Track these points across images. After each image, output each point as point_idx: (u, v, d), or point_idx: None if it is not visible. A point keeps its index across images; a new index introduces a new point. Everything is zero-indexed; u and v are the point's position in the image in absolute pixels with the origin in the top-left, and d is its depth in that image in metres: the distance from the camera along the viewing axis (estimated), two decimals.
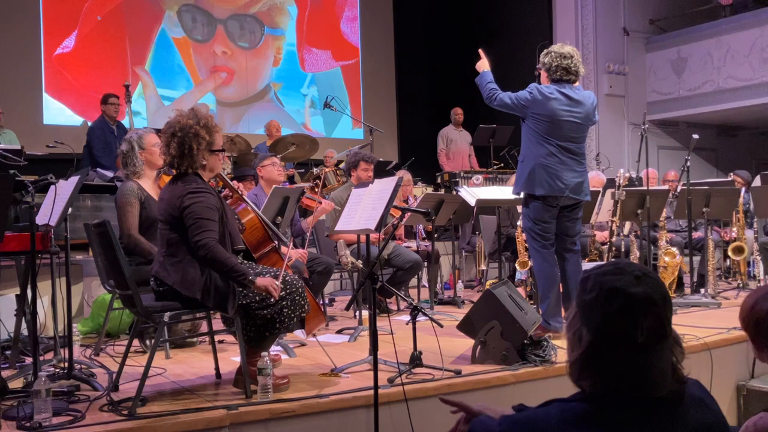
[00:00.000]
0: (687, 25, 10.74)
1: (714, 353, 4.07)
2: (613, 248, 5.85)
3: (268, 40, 10.92)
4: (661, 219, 6.15)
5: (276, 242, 3.76)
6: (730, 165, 10.02)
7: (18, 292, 3.95)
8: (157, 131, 3.44)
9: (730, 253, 6.41)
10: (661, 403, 1.39)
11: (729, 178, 7.76)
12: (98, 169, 6.18)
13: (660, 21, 11.04)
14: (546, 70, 4.33)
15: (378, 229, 3.60)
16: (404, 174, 6.94)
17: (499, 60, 4.67)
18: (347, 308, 3.37)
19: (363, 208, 3.80)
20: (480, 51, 4.51)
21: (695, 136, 6.01)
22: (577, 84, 4.38)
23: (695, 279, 6.35)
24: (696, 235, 6.62)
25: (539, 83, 4.35)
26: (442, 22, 11.88)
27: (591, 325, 1.40)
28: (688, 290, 6.20)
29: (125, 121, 7.34)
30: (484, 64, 4.46)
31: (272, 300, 3.15)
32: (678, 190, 6.45)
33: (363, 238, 4.15)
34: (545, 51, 4.37)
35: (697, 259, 6.46)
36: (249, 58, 10.75)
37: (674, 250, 6.04)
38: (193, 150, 3.11)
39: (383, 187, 3.78)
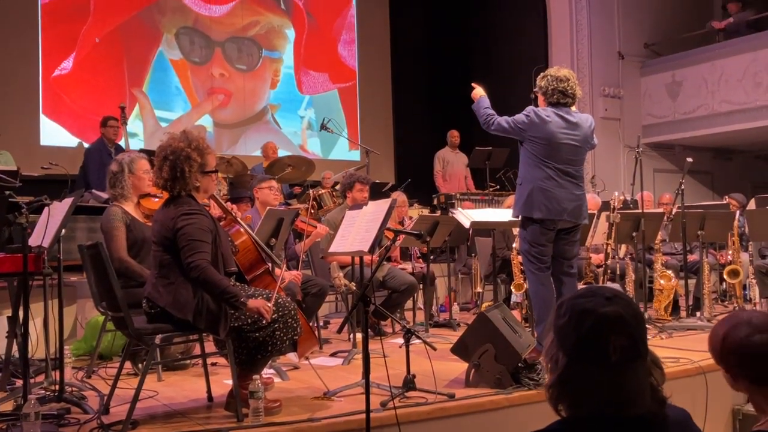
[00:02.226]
0: (681, 50, 10.83)
1: (709, 377, 4.04)
2: (609, 271, 5.85)
3: (266, 62, 11.00)
4: (656, 242, 6.16)
5: (269, 264, 3.75)
6: (725, 188, 10.05)
7: (10, 314, 3.93)
8: (151, 153, 3.46)
9: (725, 276, 6.41)
10: (642, 423, 1.40)
11: (724, 201, 7.78)
12: (93, 191, 6.18)
13: (654, 45, 11.14)
14: (543, 94, 4.35)
15: (371, 251, 3.60)
16: (399, 195, 6.95)
17: (495, 84, 4.71)
18: (339, 331, 3.37)
19: (356, 229, 3.81)
20: (473, 84, 4.55)
21: (689, 160, 6.04)
22: (574, 108, 4.40)
23: (691, 302, 6.33)
24: (692, 258, 6.62)
25: (536, 107, 4.37)
26: (438, 45, 11.98)
27: (566, 348, 1.43)
28: (683, 313, 6.19)
29: (121, 142, 7.37)
30: (479, 92, 4.49)
31: (264, 322, 3.14)
32: (673, 212, 6.47)
33: (357, 260, 4.14)
34: (541, 75, 4.39)
35: (692, 282, 6.45)
36: (246, 81, 10.81)
37: (670, 273, 6.04)
38: (185, 172, 3.12)
39: (377, 208, 3.78)
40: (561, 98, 4.29)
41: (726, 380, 1.81)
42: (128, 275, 3.86)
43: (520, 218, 4.37)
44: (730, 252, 6.53)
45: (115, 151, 7.16)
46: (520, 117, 4.28)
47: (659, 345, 4.75)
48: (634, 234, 5.79)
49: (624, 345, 1.40)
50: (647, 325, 5.18)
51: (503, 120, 4.31)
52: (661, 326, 5.43)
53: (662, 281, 6.00)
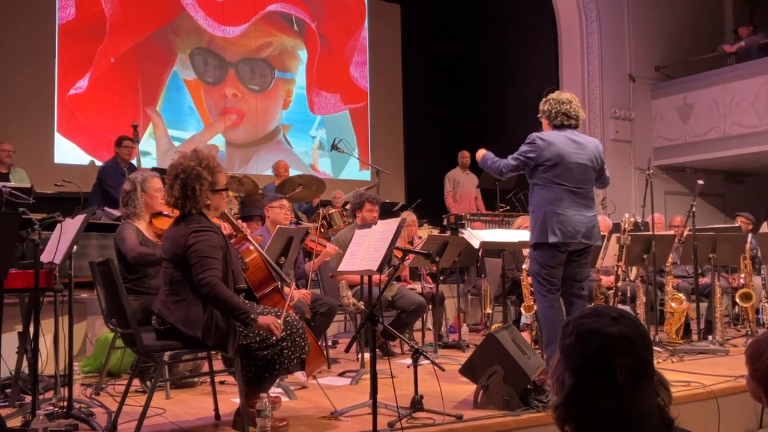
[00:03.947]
0: (692, 73, 10.84)
1: (721, 401, 4.00)
2: (619, 293, 5.81)
3: (279, 83, 11.10)
4: (667, 264, 6.12)
5: (278, 282, 3.76)
6: (737, 211, 9.98)
7: (20, 330, 3.95)
8: (164, 172, 3.50)
9: (737, 300, 6.35)
10: None
11: (736, 224, 7.73)
12: (105, 208, 6.23)
13: (665, 68, 11.16)
14: (546, 118, 4.37)
15: (380, 270, 3.60)
16: (408, 215, 6.95)
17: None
18: (347, 350, 3.35)
19: (365, 249, 3.81)
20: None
21: (700, 182, 6.02)
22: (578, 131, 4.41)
23: (702, 325, 6.27)
24: (703, 280, 6.57)
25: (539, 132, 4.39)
26: (449, 67, 12.06)
27: (572, 368, 1.42)
28: (695, 337, 6.13)
29: (134, 161, 7.44)
30: (480, 152, 4.54)
31: (273, 339, 3.14)
32: (684, 235, 6.43)
33: (366, 279, 4.14)
34: (543, 100, 4.41)
35: (704, 305, 6.40)
36: (259, 101, 10.91)
37: (681, 295, 5.99)
38: (196, 191, 3.15)
39: (386, 228, 3.79)
40: (565, 120, 4.30)
41: (753, 394, 1.75)
42: (146, 263, 3.93)
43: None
44: (742, 275, 6.47)
45: (128, 171, 7.23)
46: (523, 147, 4.29)
47: (670, 368, 4.70)
48: (645, 256, 5.76)
49: (630, 365, 1.39)
50: (658, 348, 5.16)
51: (509, 158, 4.31)
52: (672, 349, 5.38)
53: (673, 304, 5.95)
